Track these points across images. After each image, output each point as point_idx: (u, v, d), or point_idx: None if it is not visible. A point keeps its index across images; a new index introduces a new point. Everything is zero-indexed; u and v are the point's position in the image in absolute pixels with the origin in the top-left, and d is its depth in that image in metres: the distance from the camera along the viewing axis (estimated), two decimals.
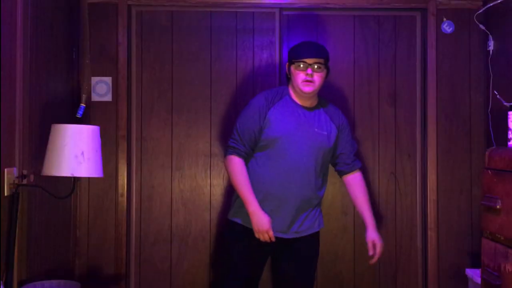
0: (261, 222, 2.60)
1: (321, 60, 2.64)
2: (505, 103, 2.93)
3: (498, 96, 3.06)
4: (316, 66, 2.62)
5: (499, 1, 3.07)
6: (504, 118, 2.54)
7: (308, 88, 2.63)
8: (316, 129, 2.69)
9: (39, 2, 2.66)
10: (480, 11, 3.29)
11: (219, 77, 3.38)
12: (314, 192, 2.73)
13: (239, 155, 2.68)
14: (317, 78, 2.63)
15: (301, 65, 2.63)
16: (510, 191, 2.02)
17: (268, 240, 2.63)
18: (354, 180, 2.82)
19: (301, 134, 2.67)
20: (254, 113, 2.69)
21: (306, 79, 2.62)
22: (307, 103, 2.72)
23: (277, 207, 2.68)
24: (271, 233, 2.61)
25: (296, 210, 2.70)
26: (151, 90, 3.38)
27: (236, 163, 2.67)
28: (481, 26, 3.30)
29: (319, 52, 2.65)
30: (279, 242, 2.70)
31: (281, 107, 2.70)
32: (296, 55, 2.66)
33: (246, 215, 2.67)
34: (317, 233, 2.84)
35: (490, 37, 3.22)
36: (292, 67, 2.67)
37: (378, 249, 2.71)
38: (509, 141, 2.27)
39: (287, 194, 2.67)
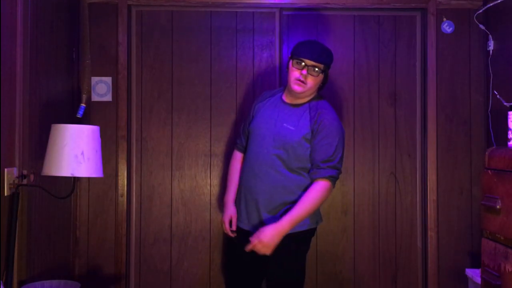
0: (223, 213, 2.80)
1: (320, 66, 2.57)
2: (505, 103, 2.93)
3: (498, 96, 3.05)
4: (312, 69, 2.56)
5: (499, 1, 3.07)
6: (504, 118, 2.54)
7: (298, 88, 2.58)
8: (285, 124, 2.61)
9: (39, 2, 2.66)
10: (480, 11, 3.29)
11: (219, 77, 3.38)
12: (277, 189, 2.58)
13: (238, 149, 2.90)
14: (310, 81, 2.57)
15: (299, 64, 2.57)
16: (510, 191, 2.02)
17: (228, 232, 2.75)
18: (310, 186, 2.57)
19: (268, 128, 2.65)
20: (250, 107, 2.89)
21: (299, 78, 2.57)
22: (293, 101, 2.67)
23: (245, 199, 2.68)
24: (225, 225, 2.76)
25: (259, 204, 2.60)
26: (151, 90, 3.38)
27: (233, 158, 2.90)
28: (481, 26, 3.30)
29: (321, 57, 2.57)
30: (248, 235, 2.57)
31: (269, 102, 2.75)
32: (297, 52, 2.59)
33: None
34: (291, 236, 2.54)
35: (490, 37, 3.22)
36: (291, 62, 2.61)
37: (253, 241, 2.48)
38: (509, 141, 2.27)
39: (249, 185, 2.66)
